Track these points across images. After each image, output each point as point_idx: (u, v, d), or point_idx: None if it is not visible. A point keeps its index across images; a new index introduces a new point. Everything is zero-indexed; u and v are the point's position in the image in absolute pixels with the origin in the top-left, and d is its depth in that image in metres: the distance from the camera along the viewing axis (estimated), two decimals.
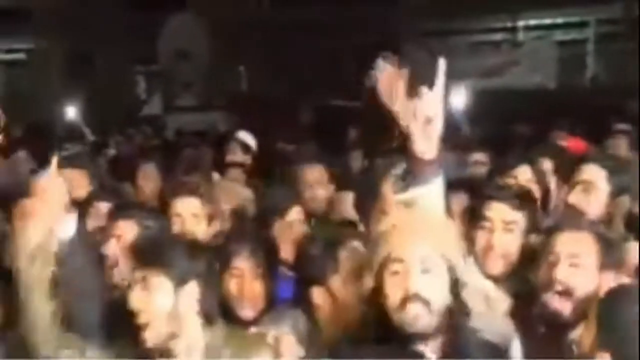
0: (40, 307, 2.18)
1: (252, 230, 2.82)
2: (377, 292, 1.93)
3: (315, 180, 3.64)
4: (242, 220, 3.26)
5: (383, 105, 2.27)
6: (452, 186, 3.08)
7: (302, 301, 2.34)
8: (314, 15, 14.66)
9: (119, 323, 2.11)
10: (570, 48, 14.25)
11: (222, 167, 4.50)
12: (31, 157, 5.92)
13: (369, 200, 2.64)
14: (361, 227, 2.73)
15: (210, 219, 3.02)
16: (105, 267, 2.56)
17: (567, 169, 3.01)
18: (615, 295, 1.94)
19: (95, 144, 8.25)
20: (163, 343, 2.03)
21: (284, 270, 2.63)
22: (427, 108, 2.06)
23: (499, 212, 2.48)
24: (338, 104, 12.32)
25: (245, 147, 5.32)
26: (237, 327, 2.27)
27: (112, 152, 7.69)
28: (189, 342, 2.06)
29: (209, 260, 2.13)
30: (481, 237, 2.47)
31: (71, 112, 11.80)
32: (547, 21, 14.39)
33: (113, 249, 2.59)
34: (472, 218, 2.52)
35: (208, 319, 2.08)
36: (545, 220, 2.78)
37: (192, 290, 2.05)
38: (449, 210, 2.39)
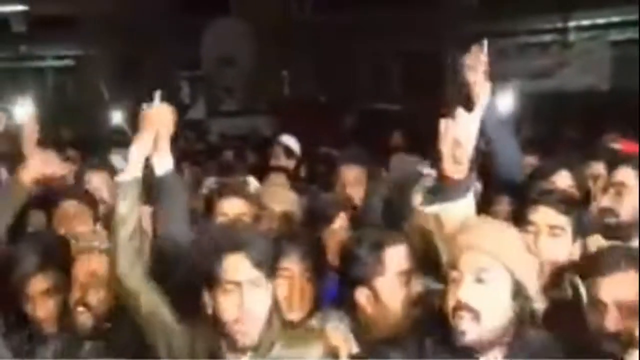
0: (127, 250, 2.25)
1: (303, 233, 2.83)
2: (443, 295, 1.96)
3: (353, 180, 3.62)
4: (290, 223, 3.26)
5: None
6: (495, 189, 3.05)
7: (346, 302, 2.36)
8: (356, 19, 14.59)
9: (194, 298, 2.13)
10: (624, 48, 13.87)
11: (264, 171, 4.47)
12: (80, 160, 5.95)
13: (398, 205, 2.62)
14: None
15: (257, 219, 3.01)
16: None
17: None
18: None
19: None
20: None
21: (330, 274, 2.65)
22: (459, 131, 2.07)
23: (544, 216, 2.45)
24: (382, 107, 12.23)
25: (289, 152, 5.32)
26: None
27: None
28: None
29: None
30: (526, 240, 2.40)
31: (118, 117, 11.95)
32: (600, 21, 14.03)
33: None
34: (517, 222, 2.46)
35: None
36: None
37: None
38: (492, 215, 2.40)
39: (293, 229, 3.06)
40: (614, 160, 3.30)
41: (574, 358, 1.99)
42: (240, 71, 14.02)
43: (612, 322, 2.09)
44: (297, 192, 3.67)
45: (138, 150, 2.42)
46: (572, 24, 14.29)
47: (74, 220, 3.01)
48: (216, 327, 2.07)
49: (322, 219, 3.03)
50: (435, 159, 2.18)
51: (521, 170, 3.15)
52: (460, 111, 2.08)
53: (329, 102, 13.50)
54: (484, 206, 2.72)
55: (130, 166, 2.36)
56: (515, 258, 1.92)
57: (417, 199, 2.26)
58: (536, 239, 2.40)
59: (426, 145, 6.33)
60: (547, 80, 13.20)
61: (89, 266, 2.46)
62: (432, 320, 2.01)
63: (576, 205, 2.55)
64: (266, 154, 5.45)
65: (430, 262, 2.23)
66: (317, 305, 2.48)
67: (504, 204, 3.03)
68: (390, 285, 2.21)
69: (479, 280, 1.88)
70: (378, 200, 3.16)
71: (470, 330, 1.87)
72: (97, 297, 2.43)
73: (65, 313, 2.51)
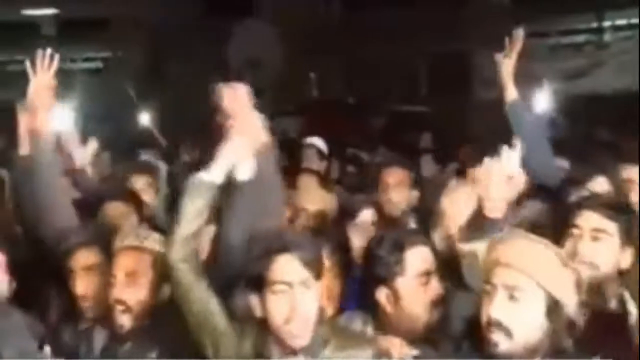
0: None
1: (332, 230, 2.89)
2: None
3: (395, 183, 3.59)
4: (325, 221, 3.32)
5: None
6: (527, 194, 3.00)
7: (368, 301, 2.37)
8: (384, 20, 14.52)
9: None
10: None
11: (296, 173, 4.50)
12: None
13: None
14: None
15: (293, 217, 2.97)
16: None
17: None
18: None
19: (169, 151, 8.34)
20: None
21: (354, 271, 2.68)
22: (505, 171, 2.15)
23: (589, 220, 2.41)
24: (410, 109, 12.16)
25: (321, 154, 5.36)
26: None
27: (185, 158, 7.74)
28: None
29: None
30: (568, 244, 2.40)
31: (146, 119, 12.02)
32: (635, 20, 13.77)
33: None
34: (560, 226, 2.47)
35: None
36: None
37: None
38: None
39: (323, 226, 3.10)
40: None
41: None
42: (267, 73, 14.01)
43: None
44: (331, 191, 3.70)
45: (229, 156, 2.36)
46: (606, 23, 14.07)
47: (119, 220, 3.03)
48: (265, 328, 2.06)
49: (346, 214, 3.09)
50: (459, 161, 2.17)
51: (555, 174, 3.10)
52: (505, 150, 2.12)
53: (357, 103, 13.46)
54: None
55: (216, 169, 2.32)
56: (550, 275, 1.89)
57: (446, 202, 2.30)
58: (579, 242, 2.36)
59: (454, 147, 6.32)
60: (581, 81, 13.00)
61: (130, 264, 2.44)
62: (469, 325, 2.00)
63: (624, 211, 2.48)
64: (295, 156, 5.44)
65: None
66: (344, 302, 2.50)
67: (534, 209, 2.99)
68: (410, 286, 2.22)
69: (512, 298, 1.88)
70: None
71: (502, 343, 1.87)
72: (137, 296, 2.41)
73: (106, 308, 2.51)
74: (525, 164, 3.04)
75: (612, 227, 2.35)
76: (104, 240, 2.54)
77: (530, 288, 1.88)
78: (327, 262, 2.41)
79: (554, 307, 1.89)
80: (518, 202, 2.39)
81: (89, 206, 3.24)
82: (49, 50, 2.96)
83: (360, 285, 2.48)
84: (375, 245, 2.33)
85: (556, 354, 1.90)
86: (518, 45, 3.17)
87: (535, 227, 2.47)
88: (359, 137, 9.50)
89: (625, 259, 2.37)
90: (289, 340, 2.03)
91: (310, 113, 12.39)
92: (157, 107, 13.05)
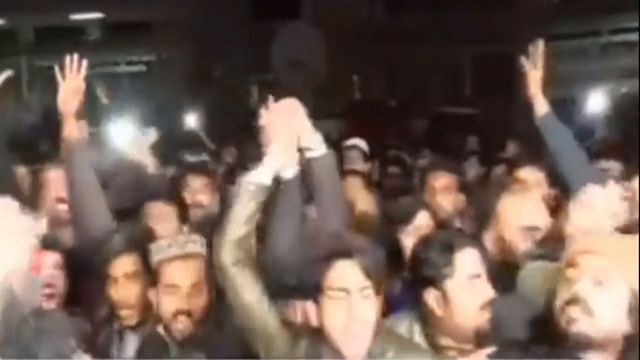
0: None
1: (380, 232, 2.86)
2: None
3: (441, 188, 3.59)
4: (369, 221, 3.30)
5: None
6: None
7: (417, 303, 2.33)
8: (427, 21, 14.40)
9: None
10: None
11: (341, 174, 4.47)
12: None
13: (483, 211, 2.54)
14: None
15: None
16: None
17: None
18: None
19: (214, 153, 8.37)
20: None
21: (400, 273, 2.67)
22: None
23: None
24: (454, 111, 12.02)
25: (365, 155, 5.29)
26: None
27: (228, 160, 7.73)
28: None
29: None
30: None
31: (191, 121, 12.11)
32: None
33: None
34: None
35: None
36: None
37: None
38: None
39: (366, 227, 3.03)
40: None
41: None
42: (310, 75, 14.00)
43: None
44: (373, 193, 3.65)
45: (276, 158, 2.32)
46: None
47: (159, 220, 3.00)
48: (320, 335, 2.00)
49: (401, 218, 3.02)
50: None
51: (595, 178, 2.98)
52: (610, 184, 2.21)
53: (399, 105, 13.37)
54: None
55: (265, 171, 2.28)
56: (635, 273, 1.88)
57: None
58: None
59: (500, 149, 6.19)
60: (632, 81, 12.69)
61: (194, 274, 2.41)
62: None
63: None
64: (338, 158, 5.38)
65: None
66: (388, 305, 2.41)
67: None
68: (460, 288, 2.18)
69: (598, 283, 1.88)
70: None
71: (582, 321, 1.86)
72: (199, 304, 2.40)
73: (145, 310, 2.50)
74: (564, 175, 2.99)
75: None
76: (144, 247, 2.52)
77: (616, 279, 1.89)
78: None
79: (634, 306, 1.88)
80: None
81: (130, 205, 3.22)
82: (76, 55, 2.95)
83: (408, 287, 2.46)
84: (423, 247, 2.29)
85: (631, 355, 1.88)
86: (539, 57, 3.09)
87: None
88: (401, 139, 9.41)
89: None
90: (344, 349, 1.97)
91: (352, 115, 12.34)
92: (201, 109, 13.14)
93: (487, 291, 2.16)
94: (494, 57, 14.25)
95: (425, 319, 2.26)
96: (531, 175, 3.56)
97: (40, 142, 8.20)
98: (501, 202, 2.45)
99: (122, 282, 2.57)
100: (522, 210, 2.68)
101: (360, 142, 5.56)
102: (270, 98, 2.50)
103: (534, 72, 3.14)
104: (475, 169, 5.88)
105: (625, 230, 2.50)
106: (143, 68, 18.31)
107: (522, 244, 2.61)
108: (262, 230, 2.41)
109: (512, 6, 14.21)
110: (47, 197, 3.31)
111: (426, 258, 2.23)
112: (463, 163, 5.84)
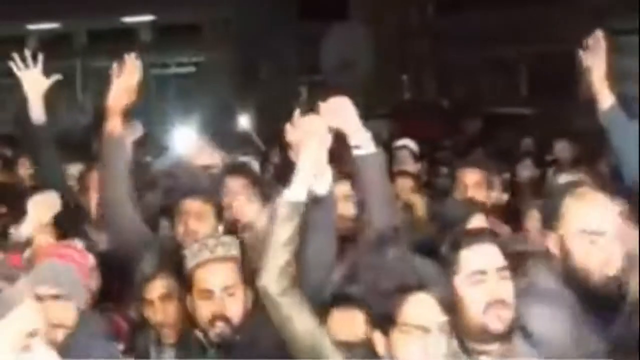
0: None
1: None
2: None
3: (474, 185, 3.48)
4: (412, 212, 3.28)
5: None
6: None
7: None
8: (478, 21, 14.18)
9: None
10: None
11: (391, 176, 4.40)
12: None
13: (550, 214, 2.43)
14: None
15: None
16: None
17: None
18: None
19: (263, 154, 8.37)
20: None
21: None
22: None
23: None
24: (507, 111, 11.80)
25: (415, 156, 5.20)
26: None
27: (275, 160, 7.71)
28: None
29: None
30: None
31: (240, 122, 12.15)
32: None
33: None
34: None
35: None
36: None
37: None
38: None
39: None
40: None
41: None
42: (359, 75, 13.93)
43: None
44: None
45: (308, 169, 2.14)
46: None
47: (194, 218, 2.94)
48: None
49: (455, 221, 2.87)
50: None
51: None
52: None
53: (450, 106, 13.20)
54: None
55: (296, 187, 2.10)
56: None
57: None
58: None
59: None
60: None
61: (227, 278, 2.32)
62: None
63: None
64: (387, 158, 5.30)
65: None
66: None
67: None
68: (464, 285, 2.09)
69: None
70: None
71: None
72: (236, 309, 2.32)
73: (182, 321, 2.44)
74: (625, 174, 2.83)
75: None
76: (175, 261, 2.46)
77: None
78: None
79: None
80: None
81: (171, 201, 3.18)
82: (133, 54, 2.92)
83: None
84: (441, 246, 2.22)
85: None
86: (601, 48, 2.90)
87: None
88: (454, 140, 9.26)
89: None
90: None
91: (401, 115, 12.22)
92: (250, 110, 13.19)
93: (496, 290, 2.04)
94: (550, 57, 13.97)
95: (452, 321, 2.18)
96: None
97: (93, 142, 8.31)
98: (568, 200, 2.29)
99: (159, 304, 2.53)
100: (586, 214, 2.53)
101: (410, 143, 5.48)
102: (297, 113, 2.32)
103: (597, 64, 2.97)
104: (529, 171, 5.74)
105: None
106: (192, 69, 18.47)
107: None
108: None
109: (570, 3, 13.89)
110: (92, 197, 3.30)
111: (441, 256, 2.18)
112: (514, 163, 5.71)
